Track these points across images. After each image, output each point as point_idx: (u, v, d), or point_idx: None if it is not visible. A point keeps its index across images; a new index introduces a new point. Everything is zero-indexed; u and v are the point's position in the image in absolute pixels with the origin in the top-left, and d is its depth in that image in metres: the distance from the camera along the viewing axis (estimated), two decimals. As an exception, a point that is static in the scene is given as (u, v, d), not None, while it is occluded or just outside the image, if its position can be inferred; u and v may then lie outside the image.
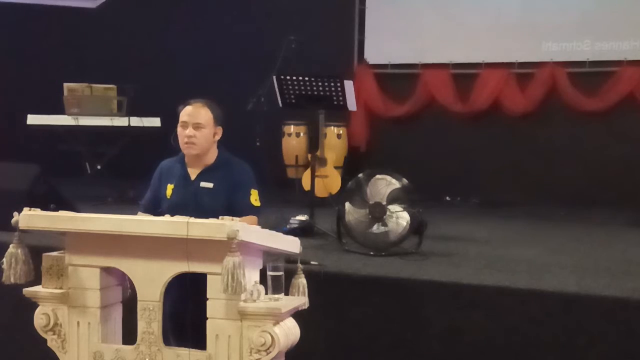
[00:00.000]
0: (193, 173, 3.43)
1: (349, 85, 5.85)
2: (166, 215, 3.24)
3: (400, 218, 4.77)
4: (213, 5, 9.13)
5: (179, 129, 3.41)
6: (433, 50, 8.43)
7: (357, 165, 7.54)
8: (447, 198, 8.09)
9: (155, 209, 3.43)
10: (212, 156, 3.45)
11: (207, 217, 2.66)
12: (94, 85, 7.79)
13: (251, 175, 3.46)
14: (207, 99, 3.48)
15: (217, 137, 3.46)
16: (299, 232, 5.16)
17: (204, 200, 3.33)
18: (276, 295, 2.68)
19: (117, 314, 2.83)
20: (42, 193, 5.14)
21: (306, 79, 5.81)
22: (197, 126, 3.37)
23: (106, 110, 7.76)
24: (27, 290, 2.77)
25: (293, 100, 5.90)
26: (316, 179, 5.98)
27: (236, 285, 2.46)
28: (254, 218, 3.28)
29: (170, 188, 3.44)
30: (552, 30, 8.06)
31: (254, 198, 3.40)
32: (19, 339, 4.28)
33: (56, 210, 2.82)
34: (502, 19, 8.25)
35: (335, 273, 4.21)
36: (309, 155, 6.50)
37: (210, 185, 3.38)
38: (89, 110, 7.64)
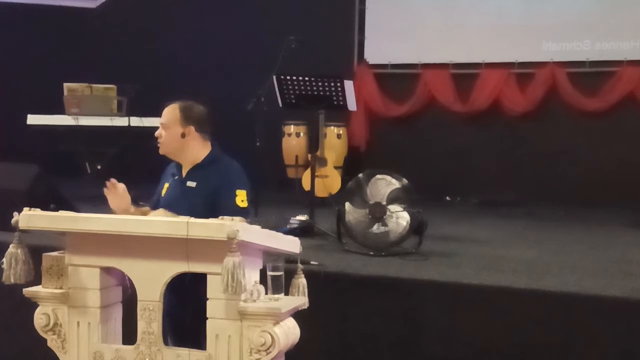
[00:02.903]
0: (184, 173, 3.45)
1: (349, 85, 5.85)
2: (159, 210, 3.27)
3: (400, 218, 4.77)
4: (213, 5, 9.13)
5: None
6: (433, 50, 8.43)
7: (357, 165, 7.54)
8: (447, 198, 8.09)
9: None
10: (200, 155, 3.41)
11: (189, 214, 2.66)
12: (94, 85, 7.79)
13: (238, 175, 3.37)
14: (183, 100, 3.46)
15: (189, 137, 3.38)
16: (299, 232, 5.16)
17: (189, 199, 3.31)
18: (276, 295, 2.68)
19: (117, 314, 2.83)
20: (42, 193, 5.14)
21: (306, 79, 5.81)
22: (163, 126, 3.39)
23: (106, 110, 7.76)
24: (27, 290, 2.76)
25: (293, 100, 5.90)
26: (316, 179, 5.98)
27: (236, 285, 2.46)
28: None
29: (165, 187, 3.48)
30: (552, 30, 8.07)
31: (240, 199, 3.27)
32: (19, 339, 4.28)
33: (56, 210, 2.82)
34: (502, 19, 8.25)
35: (335, 273, 4.21)
36: (309, 155, 6.50)
37: (193, 184, 3.37)
38: (89, 110, 7.64)
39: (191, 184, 3.37)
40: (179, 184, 3.41)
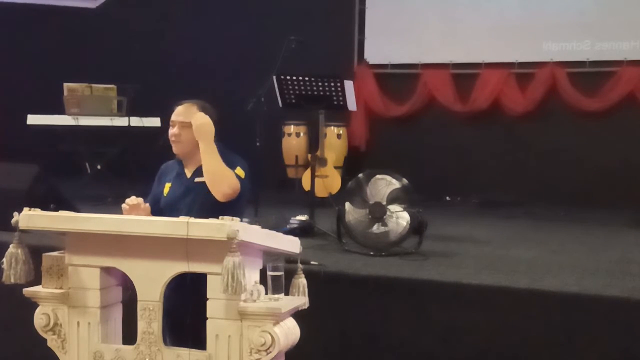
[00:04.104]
0: (189, 171, 3.45)
1: (349, 85, 5.86)
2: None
3: (400, 218, 4.77)
4: (213, 5, 9.14)
5: (169, 129, 3.44)
6: (433, 50, 8.43)
7: (357, 165, 7.54)
8: (447, 198, 8.09)
9: (155, 209, 3.44)
10: None
11: (200, 212, 2.66)
12: (94, 85, 7.79)
13: (242, 163, 3.40)
14: (199, 100, 3.47)
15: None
16: (299, 232, 5.16)
17: (198, 197, 3.32)
18: (276, 295, 2.68)
19: (117, 314, 2.83)
20: (42, 193, 5.14)
21: (306, 79, 5.81)
22: (183, 125, 3.37)
23: (106, 110, 7.76)
24: (27, 290, 2.76)
25: (293, 100, 5.90)
26: (316, 179, 5.98)
27: (236, 285, 2.46)
28: (235, 179, 3.26)
29: (167, 186, 3.47)
30: (552, 30, 8.07)
31: (239, 172, 3.33)
32: (19, 339, 4.28)
33: (56, 210, 2.82)
34: (502, 19, 8.25)
35: (335, 273, 4.21)
36: (309, 155, 6.50)
37: (204, 179, 3.38)
38: (89, 110, 7.64)
39: (200, 179, 3.38)
40: (185, 182, 3.42)
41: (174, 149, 3.42)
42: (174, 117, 3.42)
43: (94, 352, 2.70)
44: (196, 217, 2.57)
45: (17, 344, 4.43)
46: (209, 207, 3.11)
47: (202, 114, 3.34)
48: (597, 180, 7.73)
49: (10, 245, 2.67)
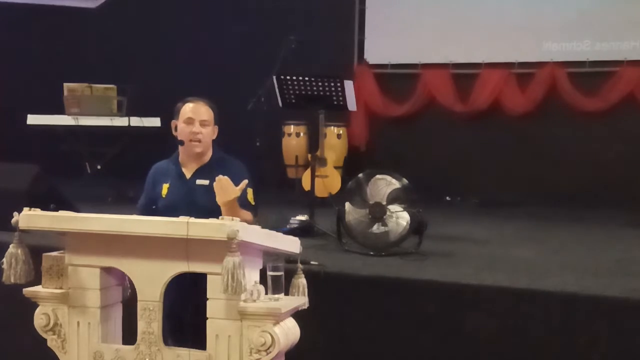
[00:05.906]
0: (188, 172, 3.45)
1: (349, 85, 5.85)
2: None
3: (400, 218, 4.77)
4: (213, 5, 9.13)
5: (183, 125, 3.42)
6: (433, 50, 8.43)
7: (357, 165, 7.53)
8: (447, 198, 8.09)
9: (150, 212, 3.43)
10: (208, 155, 3.46)
11: (201, 214, 2.66)
12: (94, 85, 7.79)
13: (247, 174, 3.43)
14: (205, 98, 3.50)
15: (215, 136, 3.50)
16: (299, 232, 5.16)
17: (199, 198, 3.34)
18: (276, 295, 2.68)
19: (117, 314, 2.83)
20: (42, 193, 5.14)
21: (306, 79, 5.80)
22: (204, 123, 3.39)
23: (106, 110, 7.76)
24: (27, 290, 2.77)
25: (293, 100, 5.90)
26: (316, 179, 5.97)
27: (236, 285, 2.46)
28: (249, 214, 3.29)
29: (165, 187, 3.46)
30: (552, 30, 8.07)
31: (250, 196, 3.38)
32: (19, 339, 4.28)
33: (56, 210, 2.82)
34: (502, 19, 8.25)
35: (335, 273, 4.21)
36: (309, 155, 6.50)
37: (206, 182, 3.38)
38: (89, 110, 7.65)
39: (203, 182, 3.39)
40: (186, 183, 3.41)
41: (195, 148, 3.41)
42: (192, 115, 3.41)
43: (94, 352, 2.71)
44: (197, 218, 2.57)
45: (17, 344, 4.43)
46: (210, 209, 3.11)
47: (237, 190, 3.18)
48: (597, 180, 7.73)
49: (10, 245, 2.68)
